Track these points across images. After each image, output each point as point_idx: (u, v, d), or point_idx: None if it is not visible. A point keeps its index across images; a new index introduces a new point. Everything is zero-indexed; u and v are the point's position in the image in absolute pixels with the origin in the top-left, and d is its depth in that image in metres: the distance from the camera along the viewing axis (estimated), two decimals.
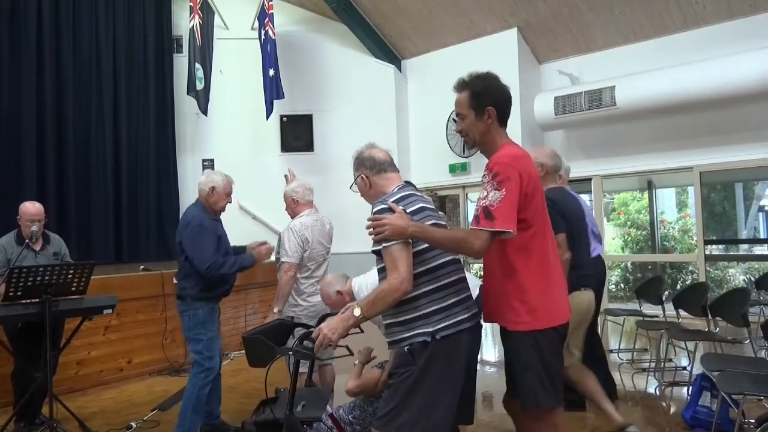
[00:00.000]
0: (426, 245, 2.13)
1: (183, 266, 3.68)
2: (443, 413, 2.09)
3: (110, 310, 4.01)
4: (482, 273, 2.42)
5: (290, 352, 2.33)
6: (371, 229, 2.11)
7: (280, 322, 2.91)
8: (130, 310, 5.49)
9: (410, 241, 2.09)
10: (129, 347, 5.51)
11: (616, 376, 4.84)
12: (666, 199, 11.42)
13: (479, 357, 6.03)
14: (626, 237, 10.50)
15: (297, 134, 8.95)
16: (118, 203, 8.01)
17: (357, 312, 2.09)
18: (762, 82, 6.20)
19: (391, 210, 2.12)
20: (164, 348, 5.71)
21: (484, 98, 2.26)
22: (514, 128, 8.01)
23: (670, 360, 5.12)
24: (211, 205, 3.69)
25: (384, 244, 2.08)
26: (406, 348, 2.11)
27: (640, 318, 5.28)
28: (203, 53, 8.31)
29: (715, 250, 9.36)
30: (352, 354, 2.56)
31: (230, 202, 3.80)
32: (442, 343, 2.08)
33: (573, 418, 3.90)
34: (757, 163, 6.90)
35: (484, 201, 2.07)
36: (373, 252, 2.17)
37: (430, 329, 2.08)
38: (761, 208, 11.71)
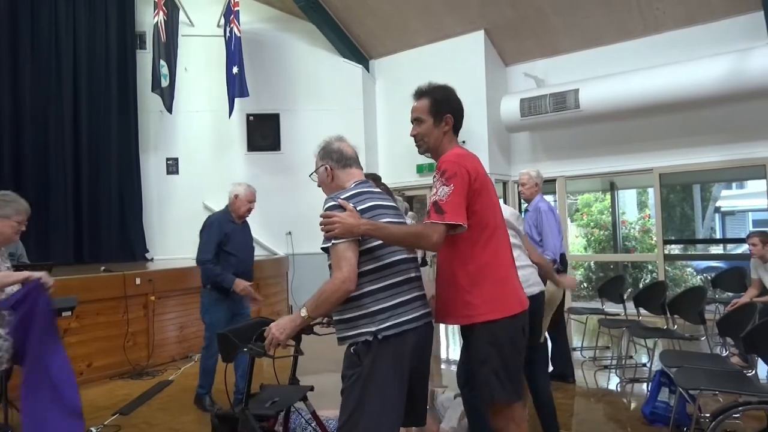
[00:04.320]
0: (377, 242, 2.13)
1: None
2: (394, 413, 2.10)
3: (69, 313, 3.89)
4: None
5: (244, 350, 2.36)
6: (324, 227, 2.12)
7: (260, 320, 2.91)
8: (90, 312, 5.34)
9: (360, 239, 2.10)
10: (89, 350, 5.36)
11: (578, 373, 4.94)
12: (627, 199, 11.70)
13: (447, 356, 6.02)
14: (589, 237, 10.71)
15: (264, 133, 8.88)
16: (78, 202, 7.81)
17: (303, 312, 2.11)
18: (719, 86, 6.42)
19: (342, 207, 2.11)
20: (126, 351, 5.57)
21: (444, 106, 2.37)
22: (480, 129, 8.13)
23: (631, 357, 5.24)
24: (235, 210, 4.28)
25: (333, 242, 2.08)
26: (351, 349, 2.12)
27: (603, 316, 5.39)
28: (168, 50, 8.15)
29: (674, 249, 9.63)
30: (301, 353, 2.58)
31: (251, 209, 4.34)
32: (385, 343, 2.07)
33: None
34: (714, 165, 7.14)
35: (434, 197, 2.18)
36: (322, 249, 2.16)
37: (373, 328, 2.07)
38: (717, 209, 12.13)
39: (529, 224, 4.75)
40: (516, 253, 3.23)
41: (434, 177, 2.25)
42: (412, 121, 2.44)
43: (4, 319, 3.00)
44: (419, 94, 2.42)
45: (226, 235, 4.18)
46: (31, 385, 2.99)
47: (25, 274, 3.06)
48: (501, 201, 3.75)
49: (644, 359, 5.32)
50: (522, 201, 5.13)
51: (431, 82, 2.44)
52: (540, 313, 3.46)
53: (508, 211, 3.28)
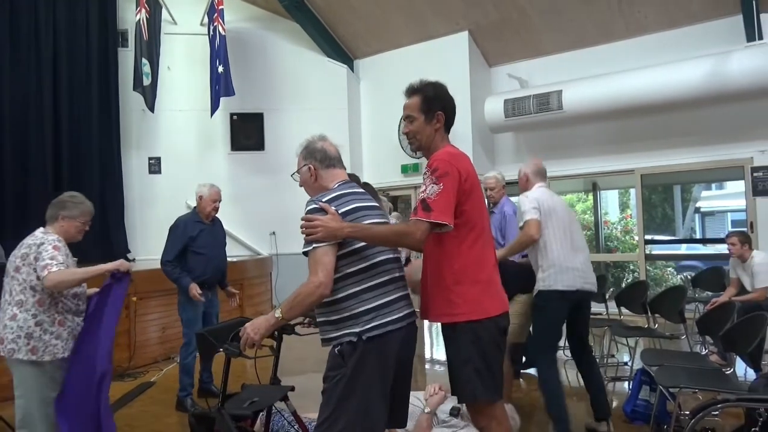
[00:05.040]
0: (360, 244, 2.12)
1: None
2: (377, 414, 2.10)
3: None
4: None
5: (221, 350, 2.38)
6: (305, 230, 2.09)
7: (240, 319, 2.91)
8: None
9: (344, 241, 2.09)
10: None
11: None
12: (609, 200, 11.80)
13: (432, 356, 6.03)
14: None
15: (247, 133, 8.83)
16: None
17: (277, 314, 2.10)
18: (699, 89, 6.51)
19: (323, 210, 2.10)
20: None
21: (435, 103, 2.37)
22: (464, 130, 8.15)
23: (613, 356, 5.29)
24: (201, 211, 4.42)
25: (314, 245, 2.06)
26: (336, 350, 2.11)
27: None
28: (150, 48, 8.07)
29: (656, 249, 9.74)
30: (276, 354, 2.59)
31: (217, 208, 4.47)
32: (370, 343, 2.07)
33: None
34: (695, 166, 7.23)
35: (423, 194, 2.19)
36: (304, 254, 2.13)
37: (357, 329, 2.07)
38: (697, 210, 12.30)
39: (494, 227, 4.72)
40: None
41: (425, 174, 2.25)
42: (404, 119, 2.44)
43: (80, 308, 3.20)
44: (410, 91, 2.41)
45: (191, 237, 4.32)
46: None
47: (94, 270, 3.20)
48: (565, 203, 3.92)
49: (626, 358, 5.37)
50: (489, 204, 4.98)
51: (422, 79, 2.42)
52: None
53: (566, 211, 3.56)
